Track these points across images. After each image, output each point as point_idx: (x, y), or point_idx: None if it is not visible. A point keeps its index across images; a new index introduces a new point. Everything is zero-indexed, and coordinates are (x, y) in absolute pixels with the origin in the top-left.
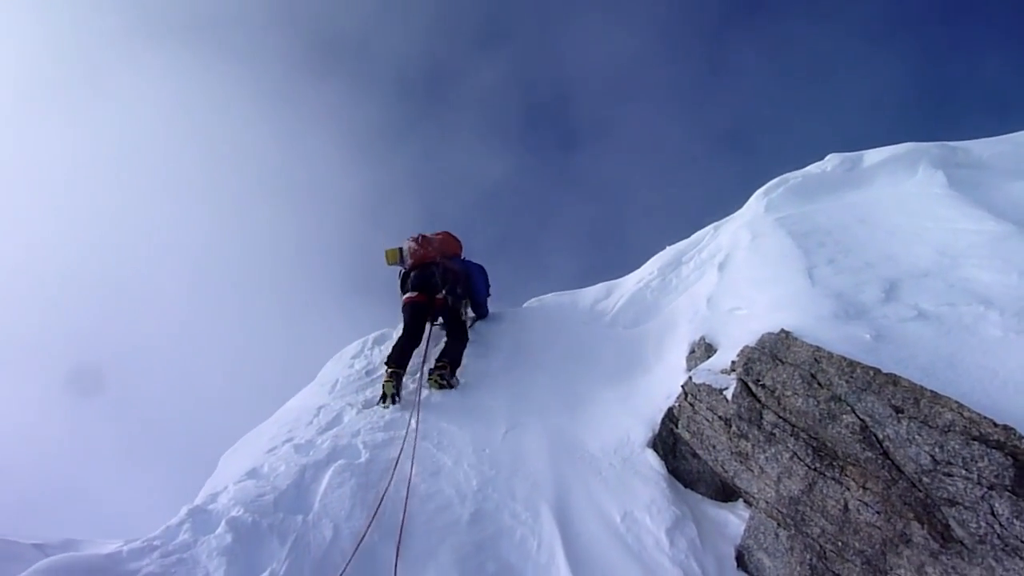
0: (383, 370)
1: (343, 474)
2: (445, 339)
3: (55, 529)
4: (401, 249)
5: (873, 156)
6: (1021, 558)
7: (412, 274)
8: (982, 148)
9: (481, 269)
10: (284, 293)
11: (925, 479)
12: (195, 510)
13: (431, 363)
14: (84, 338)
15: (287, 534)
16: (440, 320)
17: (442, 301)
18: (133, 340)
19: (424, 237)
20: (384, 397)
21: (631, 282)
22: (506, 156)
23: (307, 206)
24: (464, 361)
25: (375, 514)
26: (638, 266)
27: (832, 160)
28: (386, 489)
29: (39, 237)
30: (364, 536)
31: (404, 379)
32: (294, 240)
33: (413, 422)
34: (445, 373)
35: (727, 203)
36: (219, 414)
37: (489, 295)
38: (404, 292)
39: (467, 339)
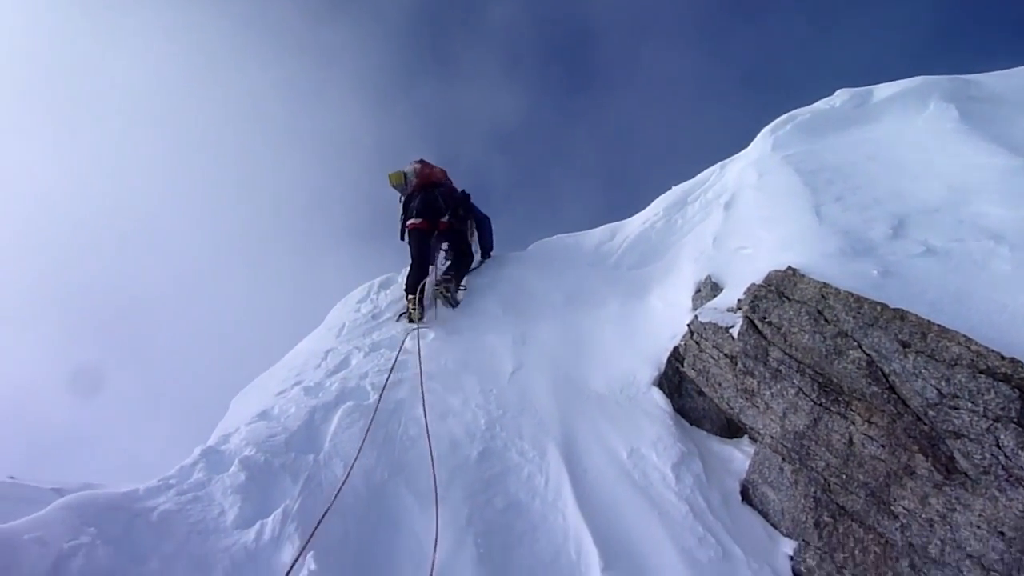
0: (404, 299)
1: (352, 415)
2: (450, 260)
3: (71, 474)
4: (405, 173)
5: (883, 91)
6: None
7: (416, 199)
8: (996, 81)
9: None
10: (291, 239)
11: (931, 412)
12: (208, 450)
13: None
14: (97, 284)
15: (299, 473)
16: (445, 245)
17: (446, 225)
18: (144, 287)
19: (425, 161)
20: (411, 318)
21: (636, 223)
22: (522, 96)
23: (316, 151)
24: (469, 302)
25: (361, 446)
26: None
27: (841, 96)
28: (370, 422)
29: (56, 183)
30: (353, 463)
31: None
32: (303, 186)
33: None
34: (451, 286)
35: (746, 141)
36: (229, 359)
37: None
38: (407, 217)
39: (472, 258)
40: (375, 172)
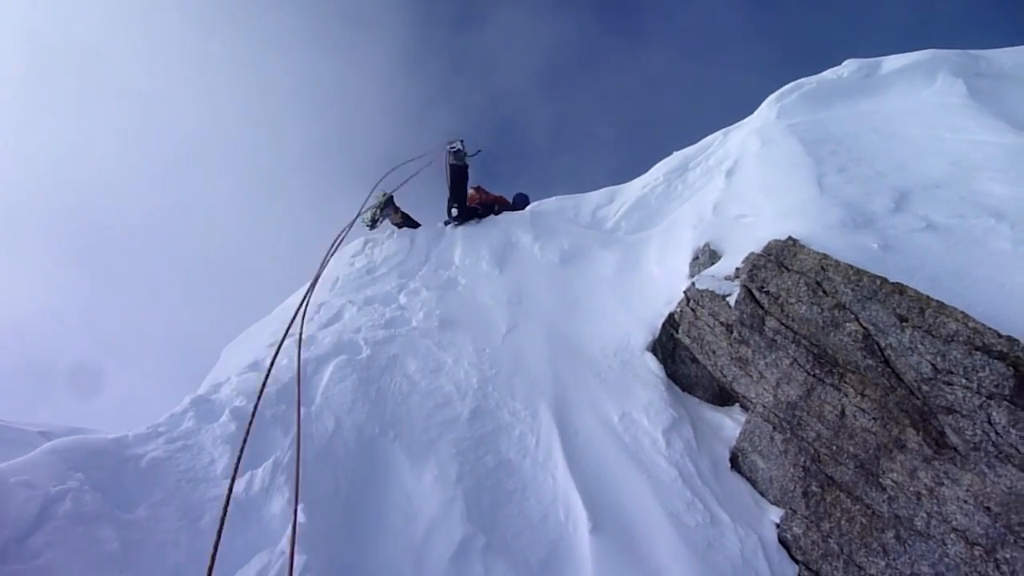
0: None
1: (344, 369)
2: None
3: (59, 418)
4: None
5: (891, 63)
6: (1014, 465)
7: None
8: (1005, 57)
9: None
10: (293, 192)
11: (924, 387)
12: (198, 399)
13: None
14: (96, 219)
15: (289, 425)
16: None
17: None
18: (139, 229)
19: (481, 187)
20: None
21: (635, 188)
22: (558, 38)
23: (336, 104)
24: (464, 262)
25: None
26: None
27: (849, 66)
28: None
29: (80, 127)
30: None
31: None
32: (315, 138)
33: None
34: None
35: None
36: (220, 308)
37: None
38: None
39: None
40: (396, 128)
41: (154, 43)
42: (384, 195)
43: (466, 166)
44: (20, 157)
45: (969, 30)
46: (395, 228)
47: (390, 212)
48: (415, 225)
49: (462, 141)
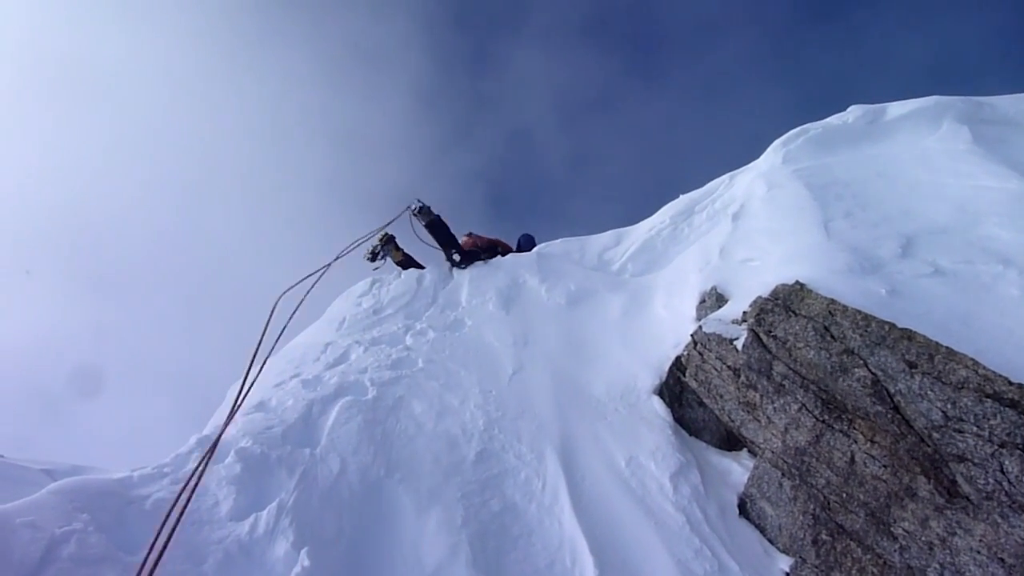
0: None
1: (350, 410)
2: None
3: (61, 456)
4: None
5: (896, 109)
6: None
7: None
8: (1009, 104)
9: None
10: (305, 228)
11: (935, 435)
12: (204, 439)
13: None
14: (105, 250)
15: (295, 466)
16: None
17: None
18: (148, 260)
19: (473, 233)
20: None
21: (642, 230)
22: (577, 77)
23: (351, 146)
24: (471, 302)
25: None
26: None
27: (854, 112)
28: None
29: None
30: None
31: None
32: (327, 176)
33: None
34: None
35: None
36: (226, 343)
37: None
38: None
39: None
40: (411, 166)
41: (170, 75)
42: (385, 235)
43: (438, 216)
44: (28, 182)
45: (984, 75)
46: (400, 268)
47: (390, 250)
48: (418, 266)
49: (419, 200)
